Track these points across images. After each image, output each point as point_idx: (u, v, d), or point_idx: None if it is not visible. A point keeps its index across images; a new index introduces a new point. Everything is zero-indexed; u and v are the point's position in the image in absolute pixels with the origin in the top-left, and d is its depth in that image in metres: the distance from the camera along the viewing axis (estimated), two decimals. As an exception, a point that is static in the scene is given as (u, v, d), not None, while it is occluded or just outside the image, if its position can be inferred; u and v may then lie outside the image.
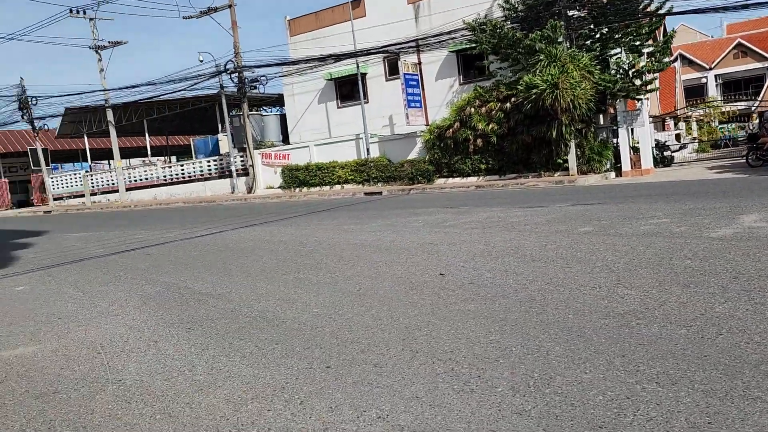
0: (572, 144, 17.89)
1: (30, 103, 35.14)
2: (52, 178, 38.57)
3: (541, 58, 17.37)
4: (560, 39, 17.66)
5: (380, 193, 20.05)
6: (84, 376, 3.91)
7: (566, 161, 18.10)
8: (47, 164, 37.98)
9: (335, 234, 9.87)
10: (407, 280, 5.80)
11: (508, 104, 18.48)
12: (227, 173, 28.71)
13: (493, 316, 4.34)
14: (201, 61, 26.88)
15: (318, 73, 24.76)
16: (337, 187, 23.45)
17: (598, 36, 18.84)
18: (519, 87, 17.73)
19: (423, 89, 22.37)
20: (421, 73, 22.39)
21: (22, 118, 35.66)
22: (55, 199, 37.52)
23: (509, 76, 19.21)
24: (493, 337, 3.89)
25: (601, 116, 19.12)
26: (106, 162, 48.53)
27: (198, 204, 24.83)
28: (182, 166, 32.05)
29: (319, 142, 25.05)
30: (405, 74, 21.05)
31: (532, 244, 6.99)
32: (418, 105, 21.66)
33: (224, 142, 29.25)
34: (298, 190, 24.58)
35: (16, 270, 9.21)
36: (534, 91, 16.95)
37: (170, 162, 35.71)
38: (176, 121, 39.42)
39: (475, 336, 3.93)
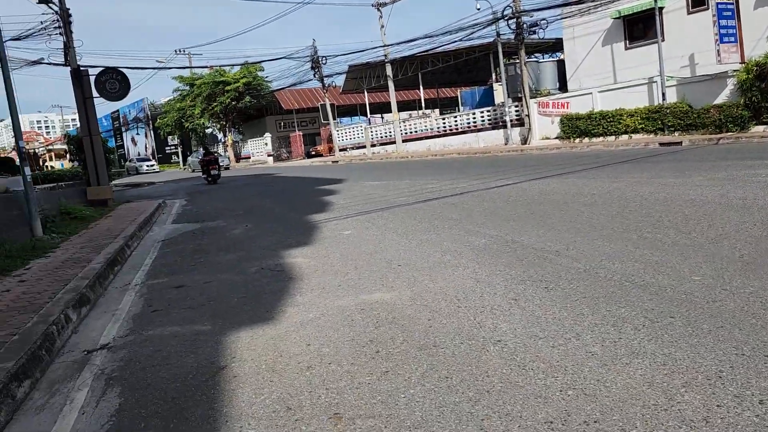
0: None
1: (320, 62, 38.90)
2: (338, 130, 42.52)
3: None
4: None
5: (679, 143, 17.67)
6: (456, 331, 3.71)
7: None
8: (334, 118, 41.90)
9: (657, 188, 8.68)
10: (807, 248, 4.61)
11: None
12: (500, 124, 28.27)
13: None
14: (478, 9, 26.62)
15: (604, 12, 22.59)
16: (624, 137, 21.40)
17: None
18: None
19: (738, 20, 18.88)
20: (737, 1, 18.89)
21: (314, 76, 39.78)
22: (339, 150, 41.36)
23: None
24: None
25: None
26: (379, 115, 51.99)
27: (473, 155, 24.92)
28: (455, 117, 32.50)
29: (603, 88, 23.03)
30: (717, 3, 17.89)
31: None
32: (732, 39, 18.34)
33: (499, 92, 28.84)
34: (578, 140, 23.07)
35: (336, 215, 9.93)
36: None
37: (437, 114, 36.56)
38: (446, 73, 40.16)
39: None
